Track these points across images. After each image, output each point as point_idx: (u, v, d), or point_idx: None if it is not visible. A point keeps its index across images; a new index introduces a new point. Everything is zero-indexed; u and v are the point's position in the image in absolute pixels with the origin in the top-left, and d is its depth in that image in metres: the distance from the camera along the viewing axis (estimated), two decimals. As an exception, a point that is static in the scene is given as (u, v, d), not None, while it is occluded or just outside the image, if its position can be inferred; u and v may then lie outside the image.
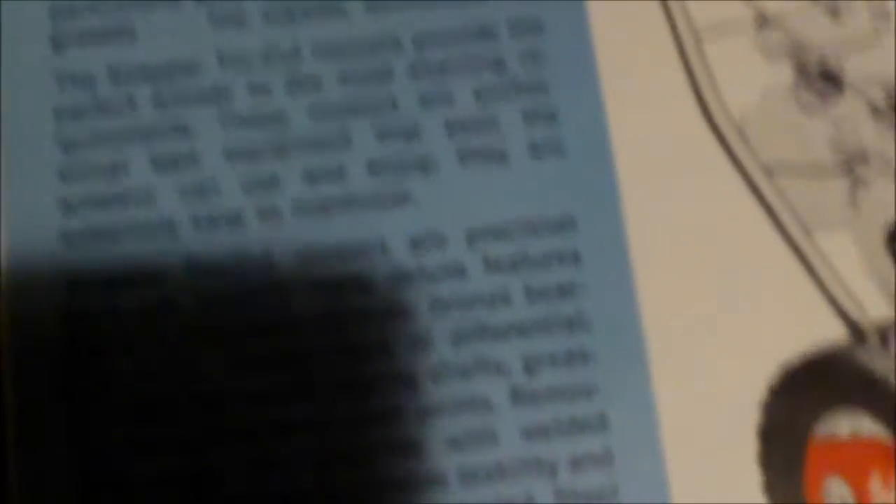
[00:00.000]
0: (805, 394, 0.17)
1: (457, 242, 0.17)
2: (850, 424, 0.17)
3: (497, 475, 0.16)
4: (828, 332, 0.17)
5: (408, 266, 0.17)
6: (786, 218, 0.18)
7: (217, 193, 0.17)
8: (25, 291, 0.17)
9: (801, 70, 0.18)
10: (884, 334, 0.17)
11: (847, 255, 0.17)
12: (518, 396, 0.17)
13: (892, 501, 0.16)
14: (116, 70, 0.18)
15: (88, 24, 0.18)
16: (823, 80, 0.18)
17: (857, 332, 0.17)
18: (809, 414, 0.17)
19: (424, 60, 0.18)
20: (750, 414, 0.17)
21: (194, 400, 0.17)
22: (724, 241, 0.17)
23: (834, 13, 0.18)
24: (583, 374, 0.17)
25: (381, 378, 0.17)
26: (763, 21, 0.18)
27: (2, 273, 0.17)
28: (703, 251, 0.17)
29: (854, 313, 0.17)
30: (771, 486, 0.16)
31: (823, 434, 0.17)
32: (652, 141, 0.18)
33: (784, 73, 0.18)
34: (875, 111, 0.18)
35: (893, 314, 0.17)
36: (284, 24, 0.18)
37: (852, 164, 0.18)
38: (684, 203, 0.17)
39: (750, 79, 0.18)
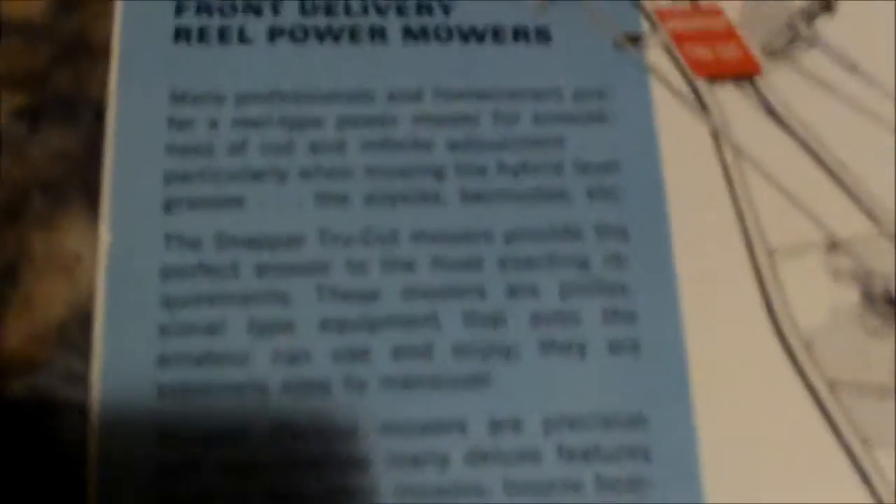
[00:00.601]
0: None
1: (533, 428, 0.22)
2: None
3: None
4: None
5: (485, 447, 0.22)
6: (847, 433, 0.22)
7: (308, 361, 0.22)
8: (118, 440, 0.21)
9: (868, 295, 0.23)
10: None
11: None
12: (583, 583, 0.21)
13: None
14: (222, 236, 0.23)
15: (200, 190, 0.23)
16: (888, 305, 0.23)
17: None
18: None
19: (513, 254, 0.23)
20: None
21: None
22: (789, 448, 0.22)
23: (900, 244, 0.24)
24: (647, 566, 0.21)
25: (452, 553, 0.21)
26: (833, 246, 0.24)
27: (95, 419, 0.22)
28: (769, 455, 0.22)
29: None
30: None
31: None
32: (724, 347, 0.23)
33: (851, 296, 0.23)
34: (936, 340, 0.23)
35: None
36: (384, 207, 0.23)
37: (913, 388, 0.23)
38: (753, 409, 0.22)
39: (819, 299, 0.23)
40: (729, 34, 0.24)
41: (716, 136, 0.24)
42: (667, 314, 0.22)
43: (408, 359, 0.22)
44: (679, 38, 0.24)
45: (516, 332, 0.22)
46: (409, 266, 0.22)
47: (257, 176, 0.23)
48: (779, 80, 0.24)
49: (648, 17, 0.25)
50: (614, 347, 0.22)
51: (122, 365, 0.21)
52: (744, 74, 0.24)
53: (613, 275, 0.23)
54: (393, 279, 0.22)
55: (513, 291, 0.22)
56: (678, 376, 0.22)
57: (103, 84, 0.23)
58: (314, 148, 0.23)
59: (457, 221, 0.23)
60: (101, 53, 0.23)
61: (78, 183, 0.23)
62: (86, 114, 0.23)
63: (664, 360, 0.22)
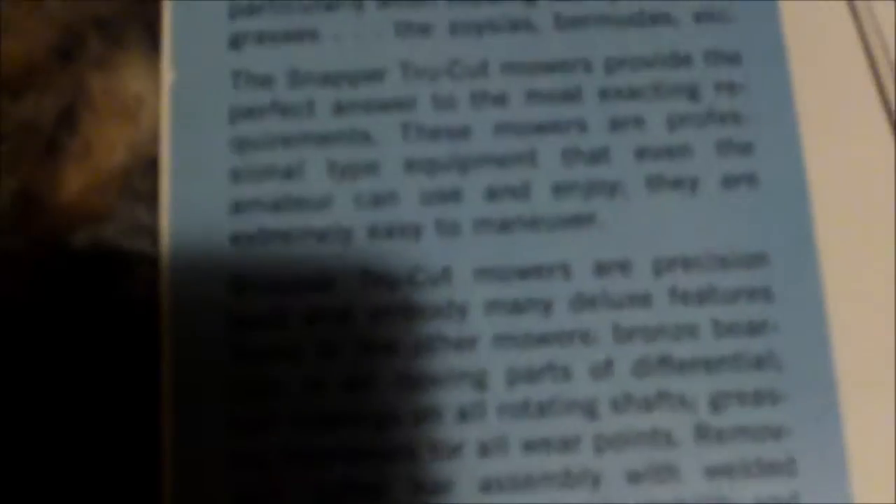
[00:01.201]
0: None
1: (643, 271, 0.20)
2: None
3: (679, 514, 0.19)
4: None
5: (591, 291, 0.20)
6: None
7: (395, 204, 0.20)
8: (189, 291, 0.20)
9: None
10: None
11: None
12: (702, 433, 0.20)
13: None
14: (296, 72, 0.21)
15: (269, 23, 0.21)
16: None
17: None
18: None
19: (615, 84, 0.21)
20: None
21: (361, 415, 0.19)
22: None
23: None
24: (771, 414, 0.20)
25: (558, 405, 0.20)
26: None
27: (166, 270, 0.20)
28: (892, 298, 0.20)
29: None
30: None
31: None
32: (848, 178, 0.21)
33: None
34: None
35: None
36: (472, 37, 0.21)
37: None
38: (879, 245, 0.21)
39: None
40: None
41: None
42: (785, 142, 0.21)
43: (503, 200, 0.20)
44: None
45: (621, 168, 0.20)
46: (500, 100, 0.21)
47: (331, 6, 0.21)
48: None
49: None
50: (729, 181, 0.20)
51: (192, 213, 0.20)
52: None
53: (726, 103, 0.21)
54: (484, 114, 0.20)
55: (615, 124, 0.20)
56: (800, 210, 0.20)
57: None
58: (392, -26, 0.21)
59: (551, 49, 0.21)
60: None
61: (136, 20, 0.21)
62: (141, -55, 0.21)
63: (784, 192, 0.20)
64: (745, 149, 0.20)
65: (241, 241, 0.20)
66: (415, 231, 0.20)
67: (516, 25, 0.21)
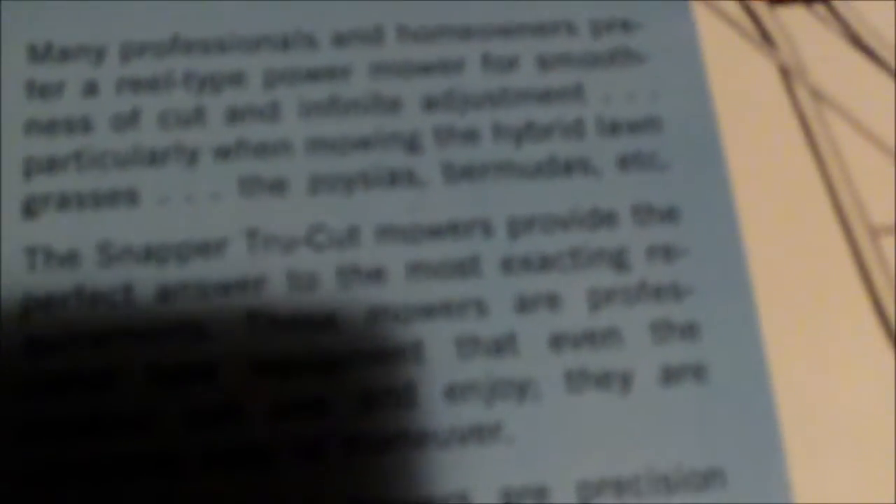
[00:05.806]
0: None
1: (564, 500, 0.16)
2: None
3: None
4: None
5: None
6: None
7: (237, 419, 0.16)
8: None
9: None
10: None
11: None
12: None
13: None
14: (108, 247, 0.16)
15: (75, 183, 0.17)
16: None
17: None
18: None
19: (522, 251, 0.17)
20: None
21: None
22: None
23: None
24: None
25: None
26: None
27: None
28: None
29: None
30: None
31: None
32: (818, 363, 0.17)
33: None
34: None
35: None
36: (337, 195, 0.17)
37: None
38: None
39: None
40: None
41: (786, 75, 0.18)
42: (740, 324, 0.16)
43: (380, 408, 0.16)
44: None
45: (532, 362, 0.16)
46: (375, 276, 0.16)
47: (156, 159, 0.17)
48: (863, -3, 0.18)
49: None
50: (670, 376, 0.16)
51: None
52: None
53: (663, 274, 0.16)
54: (353, 296, 0.16)
55: (524, 304, 0.16)
56: (762, 413, 0.16)
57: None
58: (234, 115, 0.17)
59: (440, 210, 0.17)
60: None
61: None
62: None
63: (740, 390, 0.16)
64: (689, 332, 0.16)
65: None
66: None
67: (394, 179, 0.17)
